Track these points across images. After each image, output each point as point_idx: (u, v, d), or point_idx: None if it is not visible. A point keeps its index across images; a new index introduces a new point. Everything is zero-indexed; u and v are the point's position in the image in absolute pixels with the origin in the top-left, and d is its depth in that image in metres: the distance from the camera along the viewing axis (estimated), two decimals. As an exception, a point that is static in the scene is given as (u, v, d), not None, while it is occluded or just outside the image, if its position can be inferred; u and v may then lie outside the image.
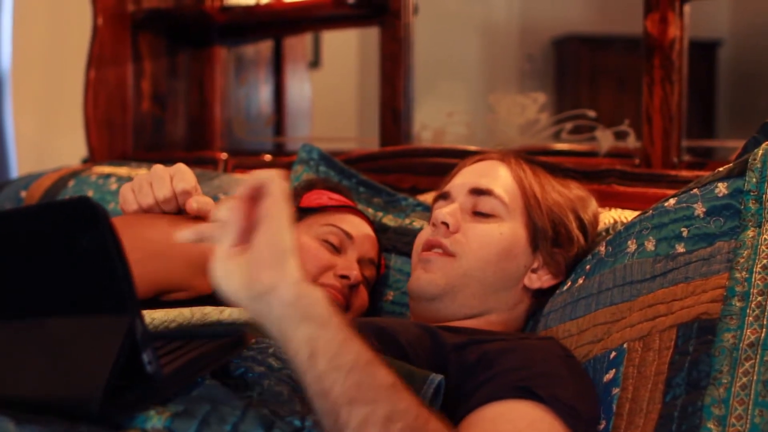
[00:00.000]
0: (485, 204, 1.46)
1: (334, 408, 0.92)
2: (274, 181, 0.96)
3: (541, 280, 1.46)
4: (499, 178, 1.49)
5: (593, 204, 1.55)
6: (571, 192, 1.52)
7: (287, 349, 0.95)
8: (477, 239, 1.44)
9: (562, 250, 1.46)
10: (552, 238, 1.46)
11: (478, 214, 1.47)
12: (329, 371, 0.92)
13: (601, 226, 1.61)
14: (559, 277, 1.46)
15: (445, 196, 1.53)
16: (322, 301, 0.96)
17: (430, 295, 1.44)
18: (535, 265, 1.46)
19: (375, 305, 1.70)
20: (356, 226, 1.62)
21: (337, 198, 1.69)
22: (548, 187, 1.49)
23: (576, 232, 1.47)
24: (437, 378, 1.11)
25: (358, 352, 0.94)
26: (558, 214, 1.47)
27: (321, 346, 0.93)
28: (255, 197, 0.97)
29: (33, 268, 0.92)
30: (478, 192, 1.48)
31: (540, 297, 1.48)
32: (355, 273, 1.53)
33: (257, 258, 0.95)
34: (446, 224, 1.45)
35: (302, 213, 1.64)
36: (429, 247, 1.46)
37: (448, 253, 1.44)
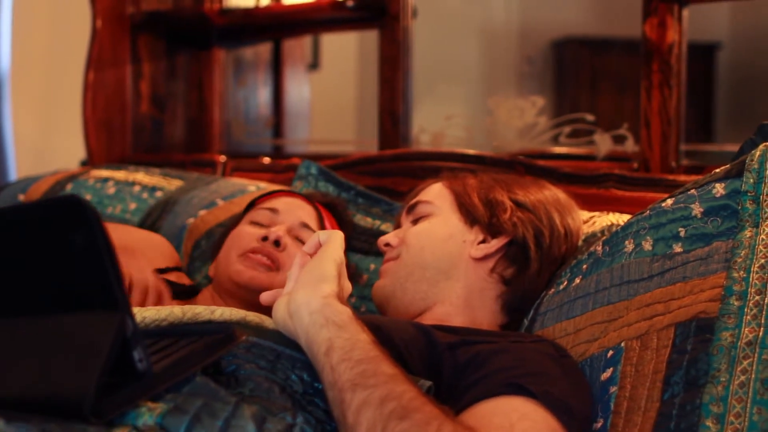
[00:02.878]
0: (417, 213, 1.60)
1: (340, 394, 1.01)
2: (335, 233, 1.24)
3: (488, 248, 1.52)
4: (429, 190, 1.62)
5: (545, 190, 1.60)
6: (508, 178, 1.63)
7: (312, 351, 1.10)
8: (413, 236, 1.55)
9: (499, 221, 1.52)
10: (486, 212, 1.53)
11: (415, 222, 1.59)
12: (340, 362, 1.04)
13: (597, 228, 1.61)
14: (502, 237, 1.52)
15: (398, 226, 1.67)
16: (346, 312, 1.12)
17: (383, 299, 1.55)
18: (480, 237, 1.53)
19: (370, 307, 1.73)
20: (285, 203, 1.71)
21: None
22: (480, 176, 1.62)
23: (506, 200, 1.54)
24: (426, 384, 1.11)
25: (368, 350, 1.06)
26: (486, 192, 1.56)
27: (337, 344, 1.07)
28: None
29: (23, 266, 0.92)
30: (410, 208, 1.62)
31: (511, 286, 1.51)
32: (275, 232, 1.62)
33: (300, 281, 1.18)
34: (389, 245, 1.59)
35: (245, 210, 1.75)
36: (385, 262, 1.60)
37: (394, 258, 1.56)
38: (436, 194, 1.60)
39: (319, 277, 1.16)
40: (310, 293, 1.14)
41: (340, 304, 1.13)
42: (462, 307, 1.50)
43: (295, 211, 1.69)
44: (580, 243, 1.59)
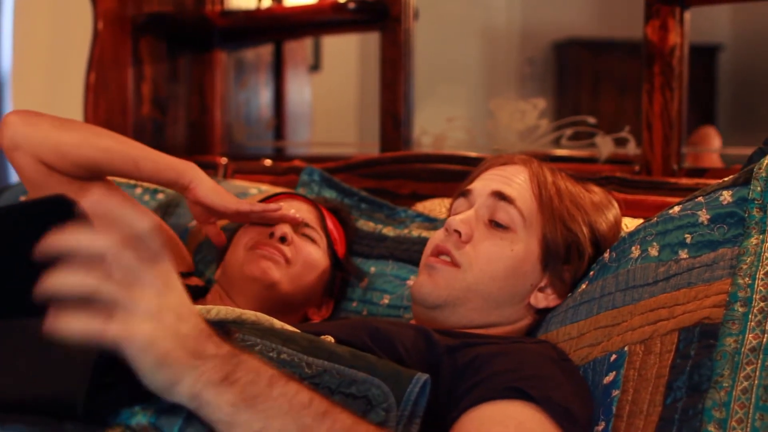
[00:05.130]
0: (504, 213, 1.42)
1: None
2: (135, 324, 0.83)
3: (547, 299, 1.43)
4: (522, 187, 1.45)
5: (612, 212, 1.50)
6: (589, 202, 1.48)
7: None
8: (486, 254, 1.40)
9: (571, 267, 1.44)
10: (563, 256, 1.42)
11: (494, 224, 1.43)
12: None
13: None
14: (564, 296, 1.44)
15: (465, 194, 1.49)
16: (224, 402, 0.87)
17: (430, 304, 1.41)
18: (543, 283, 1.43)
19: (372, 310, 1.73)
20: (288, 204, 1.70)
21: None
22: (567, 200, 1.45)
23: (587, 247, 1.44)
24: (423, 377, 1.10)
25: (299, 413, 0.90)
26: (573, 231, 1.43)
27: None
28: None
29: (13, 267, 0.91)
30: (500, 196, 1.43)
31: (544, 314, 1.46)
32: (280, 228, 1.61)
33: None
34: (458, 232, 1.42)
35: None
36: (437, 252, 1.43)
37: (455, 264, 1.41)
38: (527, 200, 1.44)
39: (167, 382, 0.86)
40: (180, 372, 0.85)
41: (211, 393, 0.87)
42: (491, 330, 1.43)
43: (300, 211, 1.69)
44: None
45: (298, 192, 1.82)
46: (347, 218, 1.81)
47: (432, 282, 1.42)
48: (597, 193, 1.51)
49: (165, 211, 2.06)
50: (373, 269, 1.77)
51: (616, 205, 1.52)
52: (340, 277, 1.73)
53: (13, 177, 3.34)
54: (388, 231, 1.82)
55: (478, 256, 1.41)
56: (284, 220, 1.63)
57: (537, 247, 1.42)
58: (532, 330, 1.47)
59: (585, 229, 1.44)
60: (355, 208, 1.93)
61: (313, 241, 1.67)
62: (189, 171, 1.63)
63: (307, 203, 1.73)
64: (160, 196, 2.12)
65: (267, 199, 1.76)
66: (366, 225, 1.86)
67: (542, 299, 1.43)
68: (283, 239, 1.61)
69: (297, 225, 1.65)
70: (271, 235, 1.61)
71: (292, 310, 1.64)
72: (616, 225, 1.50)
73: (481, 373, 1.17)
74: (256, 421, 0.88)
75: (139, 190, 2.15)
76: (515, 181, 1.46)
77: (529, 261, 1.42)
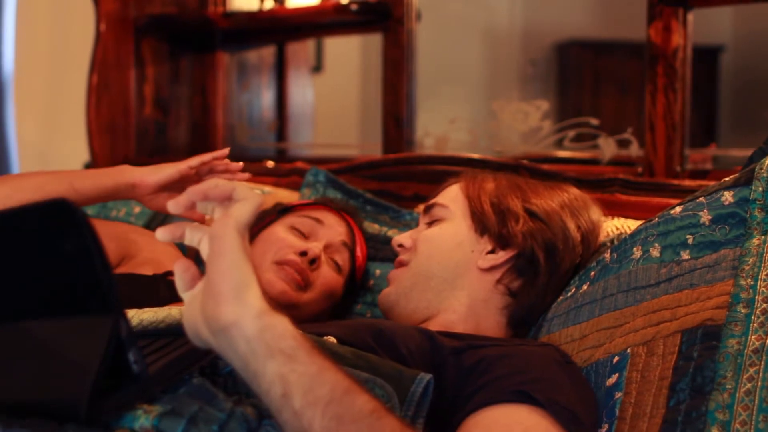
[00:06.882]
0: (433, 215, 1.57)
1: None
2: (254, 196, 0.95)
3: (497, 258, 1.49)
4: (447, 192, 1.59)
5: (564, 196, 1.55)
6: (539, 197, 1.54)
7: (257, 385, 0.91)
8: (423, 243, 1.54)
9: (509, 226, 1.49)
10: (497, 221, 1.50)
11: (429, 225, 1.57)
12: (305, 408, 0.88)
13: (604, 235, 1.60)
14: (511, 249, 1.48)
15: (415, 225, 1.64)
16: (289, 332, 0.91)
17: (387, 307, 1.54)
18: (489, 247, 1.50)
19: (376, 312, 1.73)
20: (327, 216, 1.71)
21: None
22: (504, 184, 1.56)
23: (519, 209, 1.50)
24: (426, 377, 1.10)
25: (333, 382, 0.90)
26: (500, 199, 1.52)
27: (293, 381, 0.89)
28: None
29: (15, 271, 0.91)
30: (428, 208, 1.59)
31: (517, 298, 1.48)
32: (314, 250, 1.62)
33: (215, 291, 0.91)
34: (402, 246, 1.57)
35: (281, 212, 1.73)
36: (396, 265, 1.57)
37: (402, 264, 1.55)
38: (452, 198, 1.57)
39: (240, 284, 0.91)
40: (239, 311, 0.90)
41: (277, 319, 0.92)
42: (465, 315, 1.47)
43: (336, 226, 1.70)
44: (602, 238, 1.57)
45: (332, 206, 1.79)
46: (356, 220, 1.79)
47: (386, 288, 1.56)
48: (566, 191, 1.57)
49: (162, 221, 2.06)
50: (378, 272, 1.77)
51: (587, 202, 1.57)
52: (350, 301, 1.73)
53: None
54: (393, 233, 1.82)
55: (418, 247, 1.54)
56: (230, 171, 1.58)
57: (467, 217, 1.53)
58: (514, 321, 1.49)
59: (513, 196, 1.52)
60: (360, 209, 1.93)
61: (338, 267, 1.67)
62: (125, 171, 1.59)
63: (343, 222, 1.73)
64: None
65: (303, 207, 1.75)
66: (371, 227, 1.86)
67: (490, 259, 1.49)
68: (313, 261, 1.61)
69: (246, 180, 1.60)
70: (303, 253, 1.61)
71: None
72: (564, 210, 1.53)
73: (487, 376, 1.17)
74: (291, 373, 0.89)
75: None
76: (443, 193, 1.60)
77: (461, 231, 1.52)
